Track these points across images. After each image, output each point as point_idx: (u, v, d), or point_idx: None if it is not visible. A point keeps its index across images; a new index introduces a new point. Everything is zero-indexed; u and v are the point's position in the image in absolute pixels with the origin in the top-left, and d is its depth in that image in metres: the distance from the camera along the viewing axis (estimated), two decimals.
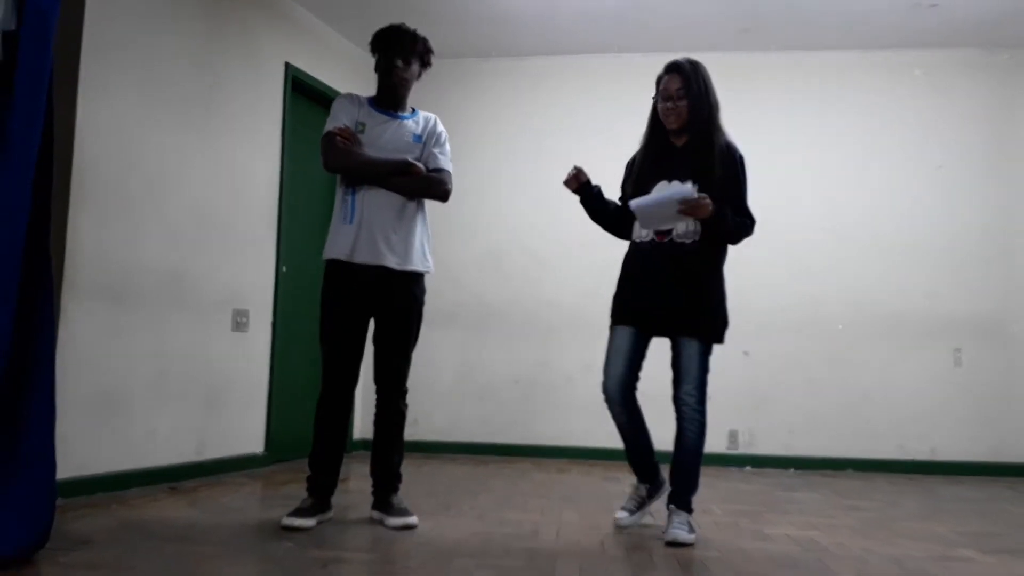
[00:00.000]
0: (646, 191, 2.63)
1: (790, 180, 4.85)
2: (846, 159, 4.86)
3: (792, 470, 4.59)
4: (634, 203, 2.57)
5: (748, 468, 4.63)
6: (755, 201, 4.88)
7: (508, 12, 4.54)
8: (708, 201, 2.49)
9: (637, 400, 2.70)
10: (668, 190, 2.55)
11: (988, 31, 4.63)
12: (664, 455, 2.74)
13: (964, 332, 4.69)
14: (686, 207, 2.48)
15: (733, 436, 4.73)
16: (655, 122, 2.69)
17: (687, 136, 2.64)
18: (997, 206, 4.76)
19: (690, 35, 4.72)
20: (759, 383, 4.74)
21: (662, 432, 2.77)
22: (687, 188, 2.48)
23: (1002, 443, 4.59)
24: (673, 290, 2.57)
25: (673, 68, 2.63)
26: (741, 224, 2.62)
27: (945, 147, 4.82)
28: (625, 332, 2.65)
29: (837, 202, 4.84)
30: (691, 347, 2.58)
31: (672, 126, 2.63)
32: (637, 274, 2.66)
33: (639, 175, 2.69)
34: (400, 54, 2.73)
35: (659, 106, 2.65)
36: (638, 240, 2.68)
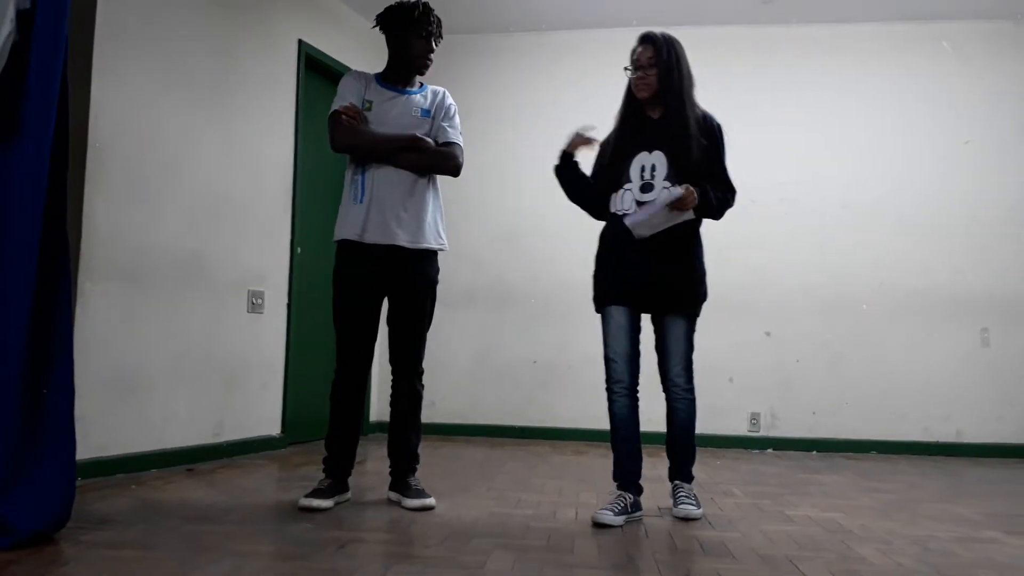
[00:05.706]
0: (625, 164, 2.61)
1: (813, 156, 4.76)
2: (870, 135, 4.76)
3: (815, 452, 4.53)
4: (628, 220, 2.55)
5: (770, 450, 4.59)
6: (777, 178, 4.78)
7: None
8: (692, 190, 2.48)
9: (638, 395, 2.67)
10: (652, 201, 2.52)
11: (1018, 2, 4.50)
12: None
13: (991, 312, 4.60)
14: (675, 205, 2.48)
15: (755, 418, 4.68)
16: (630, 96, 2.68)
17: (661, 108, 2.63)
18: None
19: (711, 7, 4.64)
20: (781, 364, 4.67)
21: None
22: (674, 191, 2.47)
23: None
24: (660, 266, 2.57)
25: (646, 39, 2.63)
26: (723, 199, 2.62)
27: (973, 122, 4.70)
28: (620, 311, 2.63)
29: (861, 179, 4.73)
30: (678, 326, 2.62)
31: (642, 94, 2.62)
32: (621, 253, 2.62)
33: (616, 148, 2.66)
34: (436, 35, 2.73)
35: (631, 76, 2.65)
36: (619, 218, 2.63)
